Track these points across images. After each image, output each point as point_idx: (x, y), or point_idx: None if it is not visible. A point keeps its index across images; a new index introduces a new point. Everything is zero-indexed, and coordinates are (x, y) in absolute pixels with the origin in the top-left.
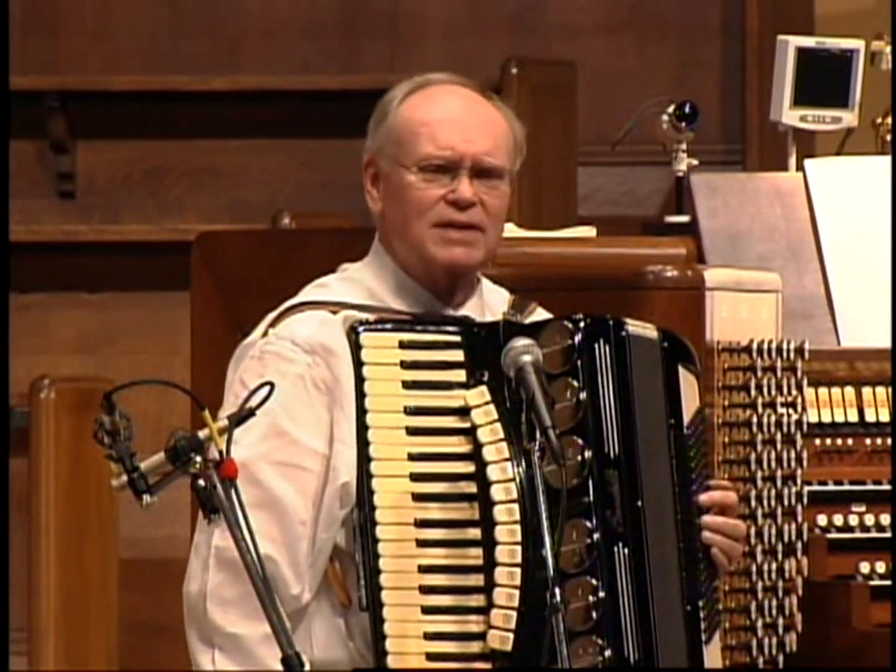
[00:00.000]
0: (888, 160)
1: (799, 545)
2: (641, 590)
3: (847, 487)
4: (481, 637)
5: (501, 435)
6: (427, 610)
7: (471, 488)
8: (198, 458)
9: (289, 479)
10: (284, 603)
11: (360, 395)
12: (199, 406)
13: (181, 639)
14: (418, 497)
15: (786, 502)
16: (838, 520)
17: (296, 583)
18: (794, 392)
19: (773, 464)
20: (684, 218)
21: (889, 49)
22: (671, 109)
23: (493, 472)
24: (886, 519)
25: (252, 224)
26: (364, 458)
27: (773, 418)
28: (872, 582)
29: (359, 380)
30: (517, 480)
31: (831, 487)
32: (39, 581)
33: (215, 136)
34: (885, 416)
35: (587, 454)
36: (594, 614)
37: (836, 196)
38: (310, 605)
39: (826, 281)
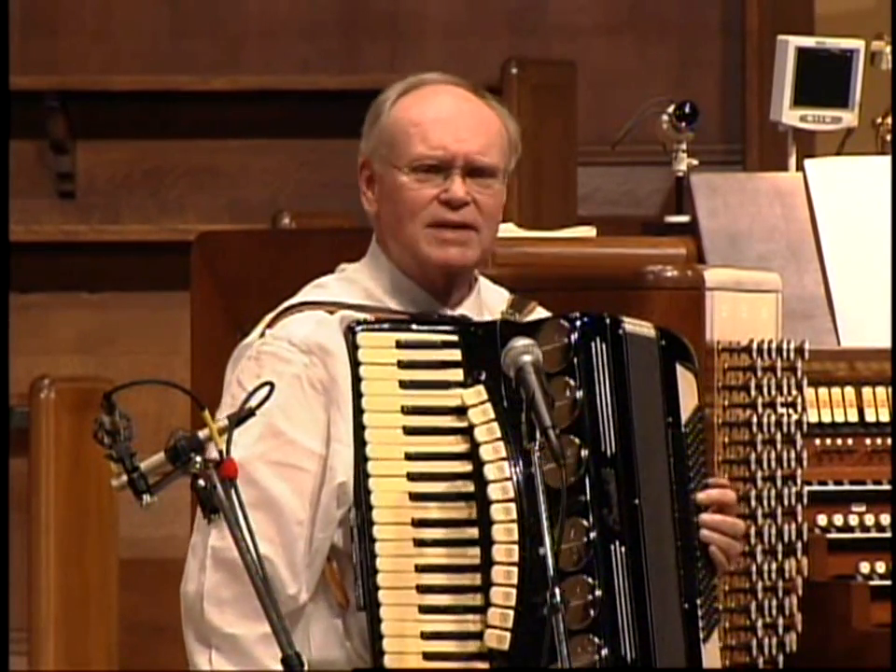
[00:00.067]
0: (888, 160)
1: (799, 545)
2: (638, 588)
3: (846, 487)
4: (478, 636)
5: (498, 434)
6: (424, 610)
7: (468, 487)
8: (198, 458)
9: (286, 479)
10: (281, 603)
11: (357, 394)
12: (199, 406)
13: (181, 639)
14: (415, 497)
15: (786, 502)
16: (838, 520)
17: (293, 583)
18: (794, 392)
19: (773, 464)
20: (684, 218)
21: (889, 48)
22: (671, 109)
23: (490, 471)
24: (886, 519)
25: (252, 224)
26: (361, 458)
27: (773, 418)
28: (872, 582)
29: (356, 380)
30: (514, 479)
31: (831, 487)
32: (39, 580)
33: (215, 136)
34: (885, 416)
35: (584, 452)
36: (590, 613)
37: (836, 196)
38: (308, 605)
39: (826, 281)
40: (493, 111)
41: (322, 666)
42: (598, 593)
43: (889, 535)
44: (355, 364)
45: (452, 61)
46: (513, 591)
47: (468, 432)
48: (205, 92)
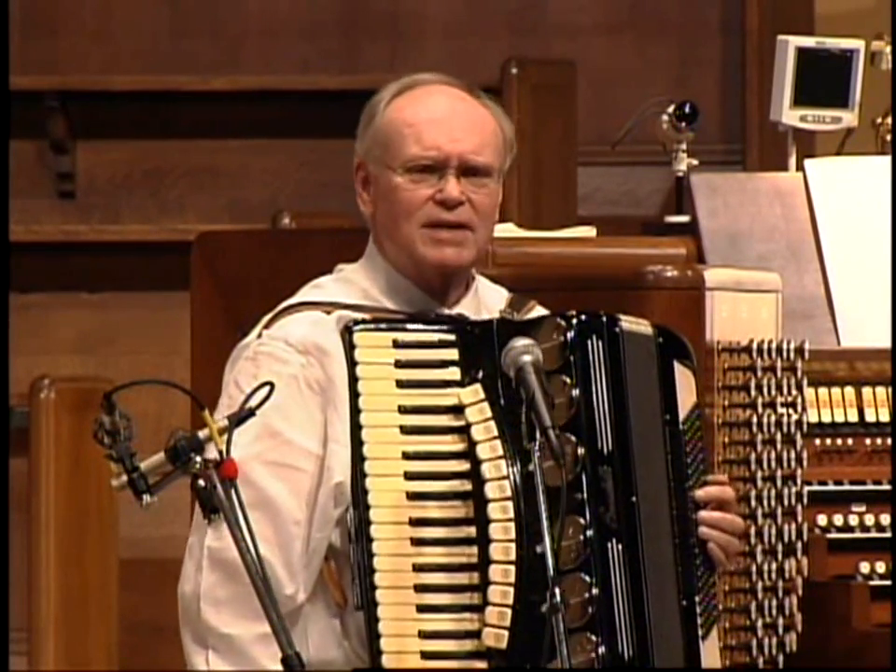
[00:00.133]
0: (888, 160)
1: (799, 545)
2: (636, 586)
3: (846, 487)
4: (476, 634)
5: (495, 432)
6: (422, 609)
7: (466, 486)
8: (198, 458)
9: (282, 479)
10: (278, 603)
11: (354, 394)
12: (199, 406)
13: (180, 639)
14: (413, 496)
15: (786, 502)
16: (838, 520)
17: (290, 584)
18: (794, 392)
19: (773, 464)
20: (684, 218)
21: (889, 48)
22: (671, 109)
23: (487, 470)
24: (886, 519)
25: (252, 224)
26: (358, 457)
27: (773, 418)
28: (872, 582)
29: (353, 379)
30: (511, 477)
31: (831, 487)
32: (39, 580)
33: (215, 136)
34: (885, 416)
35: (580, 450)
36: (588, 611)
37: (836, 196)
38: (305, 605)
39: (826, 281)
40: (488, 111)
41: (320, 666)
42: (595, 591)
43: (889, 535)
44: (352, 364)
45: (452, 61)
46: (511, 589)
47: (465, 431)
48: (205, 92)
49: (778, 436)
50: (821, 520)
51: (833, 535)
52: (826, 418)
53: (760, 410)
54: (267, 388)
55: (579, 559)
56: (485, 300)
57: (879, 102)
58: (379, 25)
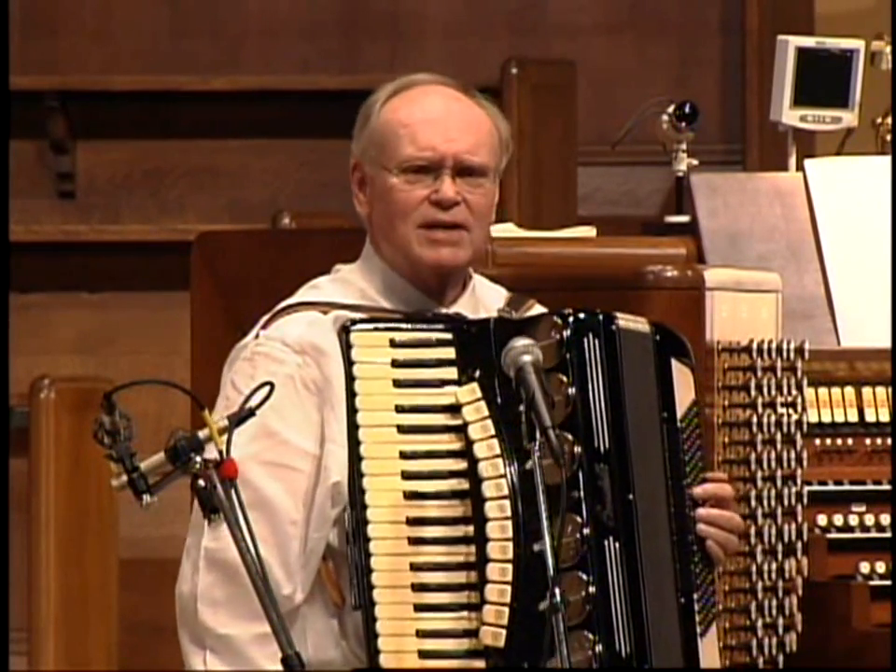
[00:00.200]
0: (888, 160)
1: (799, 545)
2: (633, 583)
3: (847, 487)
4: (474, 633)
5: (492, 431)
6: (419, 608)
7: (463, 485)
8: (198, 458)
9: (279, 479)
10: None
11: (351, 394)
12: (199, 406)
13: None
14: (410, 496)
15: (786, 502)
16: (838, 520)
17: (287, 584)
18: (794, 392)
19: (773, 464)
20: (684, 218)
21: (889, 48)
22: (671, 109)
23: (484, 469)
24: (886, 519)
25: (252, 224)
26: (355, 457)
27: (773, 418)
28: (872, 582)
29: (350, 379)
30: (508, 476)
31: (831, 487)
32: (39, 580)
33: (215, 136)
34: (885, 416)
35: (577, 448)
36: (585, 609)
37: (836, 196)
38: (303, 605)
39: (826, 281)
40: (483, 111)
41: (318, 667)
42: (592, 589)
43: (889, 535)
44: (349, 363)
45: (452, 61)
46: (508, 588)
47: (462, 430)
48: (205, 92)
49: (778, 436)
50: (821, 520)
51: (833, 535)
52: (826, 418)
53: (760, 410)
54: (267, 388)
55: (576, 557)
56: (483, 299)
57: (879, 102)
58: (379, 25)
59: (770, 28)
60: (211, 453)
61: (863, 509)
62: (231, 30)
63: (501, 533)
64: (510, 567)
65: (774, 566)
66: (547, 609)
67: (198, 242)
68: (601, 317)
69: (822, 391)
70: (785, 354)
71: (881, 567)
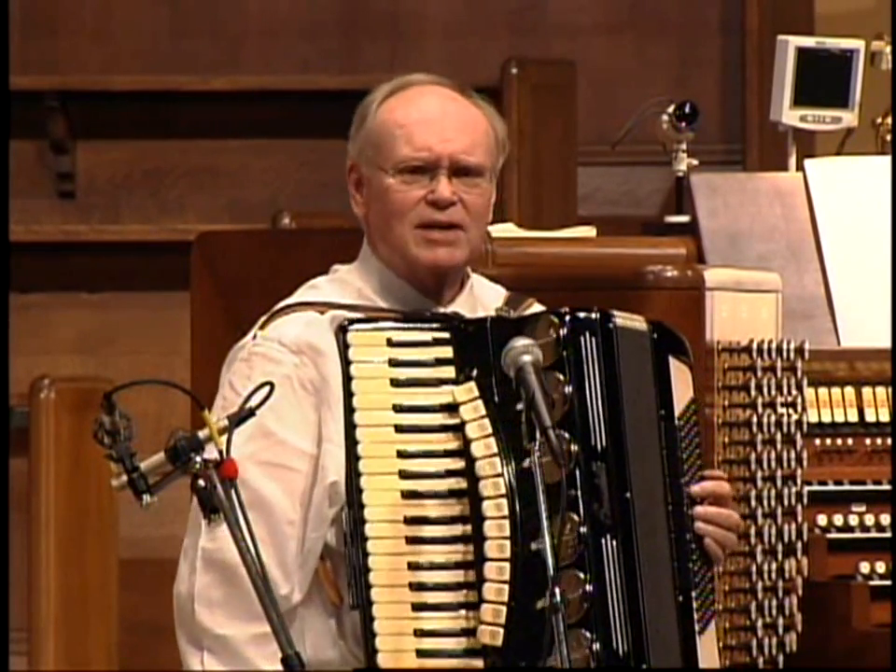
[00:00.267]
0: (888, 160)
1: (799, 545)
2: (630, 582)
3: (847, 487)
4: (472, 632)
5: (490, 430)
6: (417, 607)
7: (460, 484)
8: (198, 458)
9: (276, 479)
10: None
11: (348, 393)
12: (199, 406)
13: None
14: (408, 495)
15: (786, 502)
16: (838, 520)
17: (285, 584)
18: (794, 392)
19: (773, 464)
20: (684, 218)
21: (889, 48)
22: (671, 109)
23: (481, 468)
24: (886, 519)
25: (252, 224)
26: (353, 456)
27: (773, 418)
28: (872, 582)
29: (347, 378)
30: (506, 475)
31: (831, 487)
32: (39, 580)
33: (215, 136)
34: (885, 416)
35: (574, 447)
36: (582, 607)
37: (836, 196)
38: (301, 605)
39: (826, 281)
40: (479, 111)
41: (316, 667)
42: (589, 587)
43: (889, 535)
44: (346, 363)
45: (452, 61)
46: (506, 587)
47: (459, 429)
48: (205, 92)
49: (778, 436)
50: (821, 520)
51: (833, 535)
52: (826, 418)
53: (760, 410)
54: (267, 388)
55: (573, 555)
56: (482, 298)
57: (879, 102)
58: (379, 25)
59: (770, 28)
60: (211, 453)
61: (863, 509)
62: (231, 30)
63: (499, 532)
64: (507, 565)
65: (774, 566)
66: (547, 608)
67: (198, 242)
68: (598, 315)
69: (822, 391)
70: (785, 354)
71: (881, 567)
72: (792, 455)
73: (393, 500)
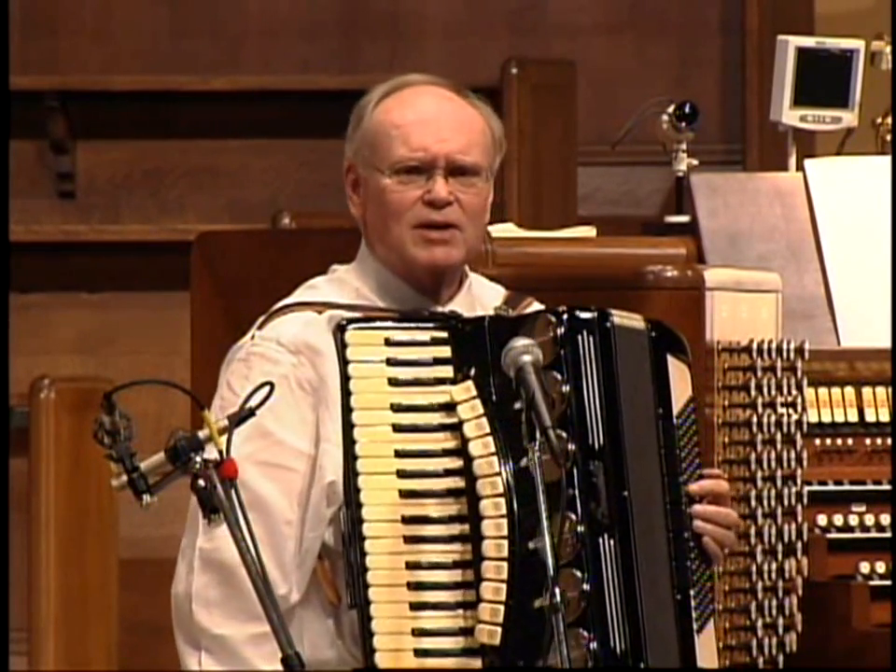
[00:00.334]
0: (888, 160)
1: (799, 545)
2: (628, 581)
3: (847, 487)
4: (470, 632)
5: (487, 429)
6: (415, 607)
7: (458, 483)
8: (198, 458)
9: (274, 479)
10: None
11: (346, 393)
12: (199, 406)
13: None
14: (406, 494)
15: (786, 502)
16: (838, 520)
17: (282, 584)
18: (794, 392)
19: (773, 464)
20: (684, 218)
21: (889, 48)
22: (671, 109)
23: (479, 467)
24: (886, 519)
25: (252, 224)
26: (351, 456)
27: (773, 418)
28: (872, 582)
29: (345, 378)
30: (503, 474)
31: (831, 487)
32: (39, 580)
33: (215, 136)
34: (885, 416)
35: (571, 446)
36: (580, 606)
37: (836, 196)
38: (299, 604)
39: (826, 281)
40: (476, 110)
41: (314, 667)
42: (587, 586)
43: (889, 535)
44: (343, 362)
45: (452, 61)
46: (504, 586)
47: (457, 428)
48: (205, 92)
49: (778, 436)
50: (821, 520)
51: (833, 535)
52: (826, 418)
53: (760, 410)
54: (267, 388)
55: (570, 554)
56: (481, 297)
57: (879, 102)
58: (379, 25)
59: (770, 28)
60: (211, 453)
61: (863, 509)
62: (231, 30)
63: (496, 531)
64: (505, 564)
65: (774, 566)
66: (547, 607)
67: (198, 242)
68: (596, 314)
69: (822, 391)
70: (785, 354)
71: (881, 567)
72: (792, 455)
73: (391, 500)
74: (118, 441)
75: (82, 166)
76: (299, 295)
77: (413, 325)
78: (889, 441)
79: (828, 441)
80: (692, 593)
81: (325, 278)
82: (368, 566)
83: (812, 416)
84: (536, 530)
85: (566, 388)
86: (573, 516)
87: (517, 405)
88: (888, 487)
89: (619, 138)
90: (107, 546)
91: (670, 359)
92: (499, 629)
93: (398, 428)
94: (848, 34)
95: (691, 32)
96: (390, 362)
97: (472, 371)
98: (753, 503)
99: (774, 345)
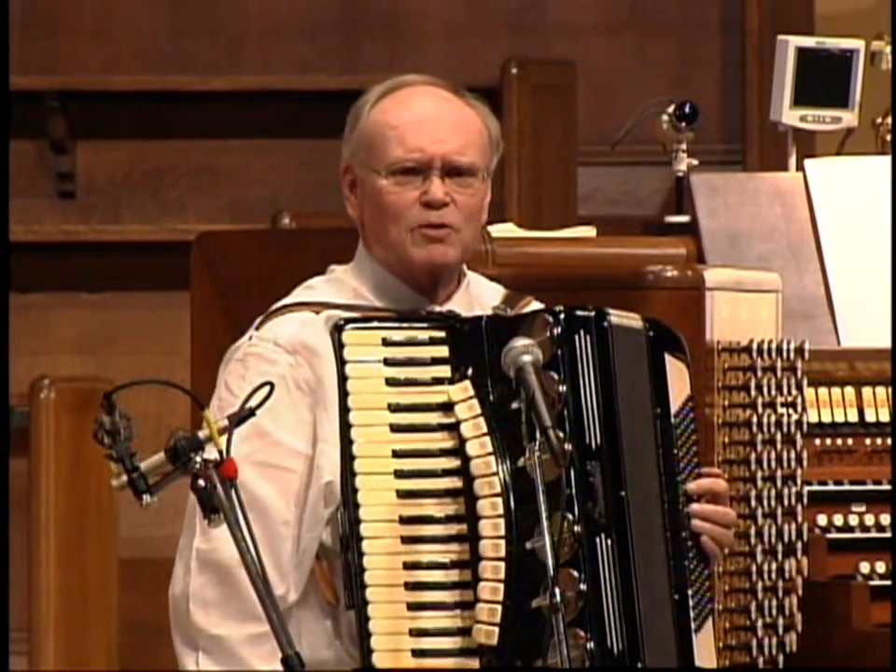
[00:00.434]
0: (888, 160)
1: (799, 545)
2: (626, 580)
3: (847, 487)
4: (467, 632)
5: (485, 429)
6: (413, 607)
7: (456, 484)
8: (198, 458)
9: (271, 480)
10: None
11: (343, 393)
12: (199, 406)
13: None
14: (403, 494)
15: (786, 502)
16: (838, 520)
17: (280, 584)
18: (794, 392)
19: (773, 464)
20: (684, 218)
21: (889, 48)
22: (671, 109)
23: (476, 467)
24: (886, 519)
25: (252, 224)
26: (348, 456)
27: (773, 418)
28: (872, 582)
29: (342, 378)
30: (501, 474)
31: (831, 487)
32: (39, 580)
33: (215, 136)
34: (885, 416)
35: (568, 446)
36: (577, 606)
37: (836, 196)
38: (297, 604)
39: (826, 281)
40: (473, 110)
41: (312, 667)
42: (584, 586)
43: (889, 535)
44: (341, 362)
45: (452, 61)
46: (501, 586)
47: (455, 428)
48: (205, 92)
49: (778, 436)
50: (821, 520)
51: (833, 535)
52: (826, 418)
53: (760, 410)
54: (266, 389)
55: (568, 554)
56: (479, 296)
57: (879, 102)
58: (379, 25)
59: (770, 28)
60: (211, 453)
61: (863, 509)
62: (231, 30)
63: (494, 531)
64: (502, 564)
65: (774, 566)
66: (547, 607)
67: (198, 242)
68: (593, 314)
69: (822, 391)
70: (785, 354)
71: (881, 567)
72: (792, 455)
73: (388, 500)
74: (118, 441)
75: (82, 166)
76: (296, 295)
77: (410, 324)
78: (889, 440)
79: (828, 441)
80: (689, 592)
81: (322, 278)
82: (365, 566)
83: (812, 416)
84: (533, 530)
85: (562, 388)
86: (570, 516)
87: (515, 405)
88: (888, 487)
89: (619, 138)
90: (107, 546)
91: (668, 359)
92: (497, 629)
93: (395, 428)
94: (848, 34)
95: (691, 32)
96: (387, 362)
97: (470, 371)
98: (753, 503)
99: (774, 345)
